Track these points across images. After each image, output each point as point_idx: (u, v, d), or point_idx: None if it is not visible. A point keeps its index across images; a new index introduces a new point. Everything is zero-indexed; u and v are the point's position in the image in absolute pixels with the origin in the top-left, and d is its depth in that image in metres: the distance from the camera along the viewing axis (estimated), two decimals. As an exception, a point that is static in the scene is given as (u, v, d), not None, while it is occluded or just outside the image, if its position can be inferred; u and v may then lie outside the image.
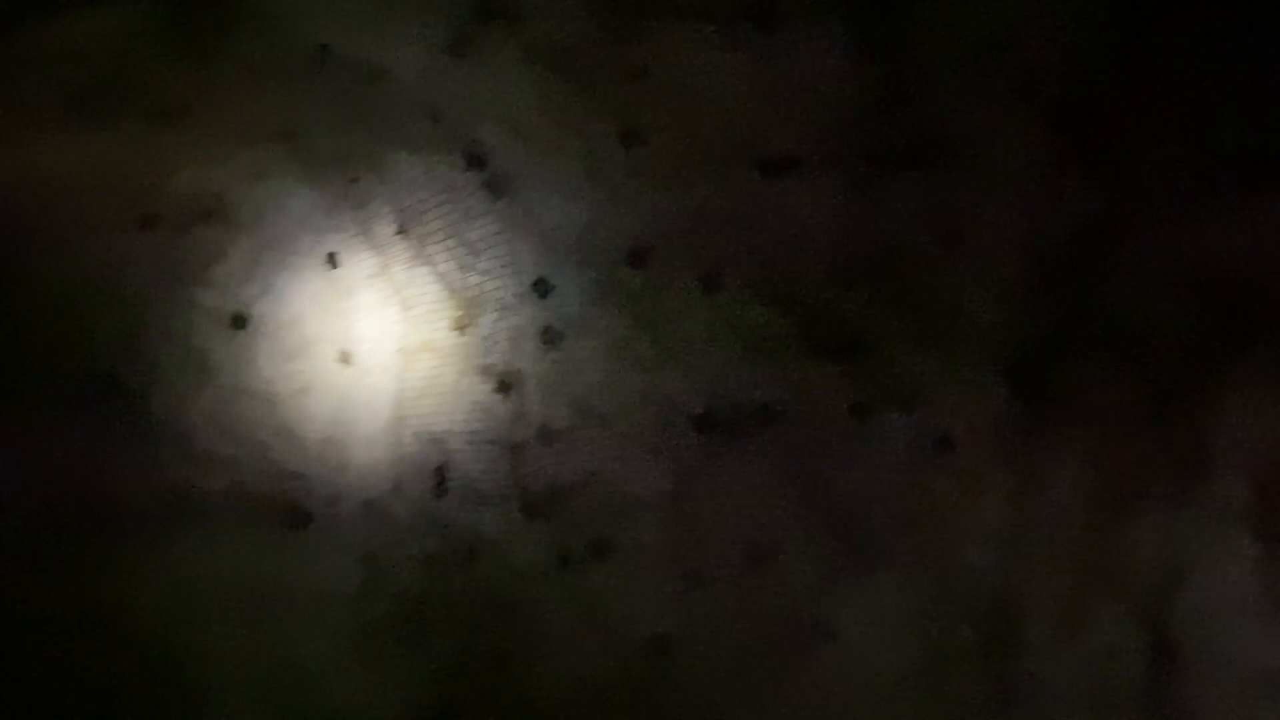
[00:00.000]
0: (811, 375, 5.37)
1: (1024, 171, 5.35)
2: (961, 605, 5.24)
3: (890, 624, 5.21)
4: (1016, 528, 5.26)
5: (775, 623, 5.23)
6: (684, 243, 5.45)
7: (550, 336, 5.46)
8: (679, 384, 5.41)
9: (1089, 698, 5.15)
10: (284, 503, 5.38)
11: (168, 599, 5.22)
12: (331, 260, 5.48)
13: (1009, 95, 5.35)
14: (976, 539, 5.26)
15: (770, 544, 5.29)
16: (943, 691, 5.19)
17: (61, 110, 5.34)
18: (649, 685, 5.23)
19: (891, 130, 5.39)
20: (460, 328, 5.51)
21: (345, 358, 5.48)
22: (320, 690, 5.29)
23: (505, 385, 5.51)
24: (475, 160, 5.45)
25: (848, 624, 5.21)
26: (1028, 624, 5.20)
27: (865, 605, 5.22)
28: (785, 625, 5.22)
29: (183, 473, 5.32)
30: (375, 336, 5.51)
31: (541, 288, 5.47)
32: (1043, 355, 5.32)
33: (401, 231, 5.50)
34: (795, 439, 5.36)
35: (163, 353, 5.34)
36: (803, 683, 5.20)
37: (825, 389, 5.35)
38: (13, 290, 5.31)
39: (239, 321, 5.39)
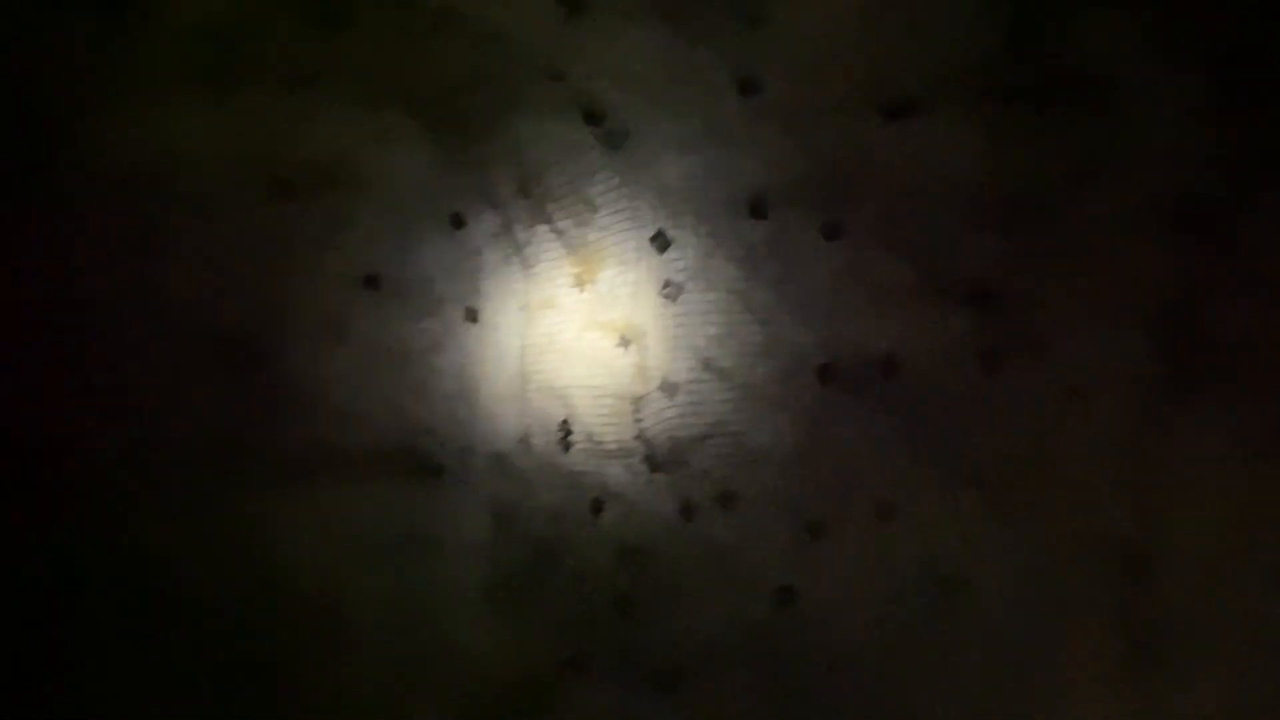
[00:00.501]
0: (937, 324, 5.26)
1: (1166, 111, 5.07)
2: (1094, 557, 5.13)
3: (1020, 576, 5.15)
4: (1153, 480, 5.11)
5: (902, 575, 5.21)
6: (804, 191, 5.36)
7: (670, 290, 5.47)
8: (801, 335, 5.37)
9: (1227, 655, 5.02)
10: (417, 456, 5.58)
11: (314, 549, 5.50)
12: (456, 221, 5.58)
13: (1151, 30, 5.05)
14: (1110, 491, 5.13)
15: (896, 495, 5.25)
16: (1074, 645, 5.13)
17: (195, 83, 5.51)
18: (774, 636, 5.30)
19: (1023, 69, 5.16)
20: (581, 284, 5.57)
21: (472, 315, 5.61)
22: (456, 636, 5.53)
23: (626, 340, 5.57)
24: (593, 117, 5.44)
25: (976, 576, 5.16)
26: (1164, 578, 5.07)
27: (995, 557, 5.16)
28: (912, 577, 5.20)
29: (322, 430, 5.56)
30: (500, 294, 5.62)
31: (660, 241, 5.46)
32: (1183, 302, 5.10)
33: (522, 190, 5.55)
34: (921, 389, 5.27)
35: (299, 315, 5.55)
36: (930, 635, 5.20)
37: (952, 338, 5.24)
38: (155, 258, 5.55)
39: (371, 283, 5.55)
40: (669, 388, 5.47)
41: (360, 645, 5.47)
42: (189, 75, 5.50)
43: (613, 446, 5.54)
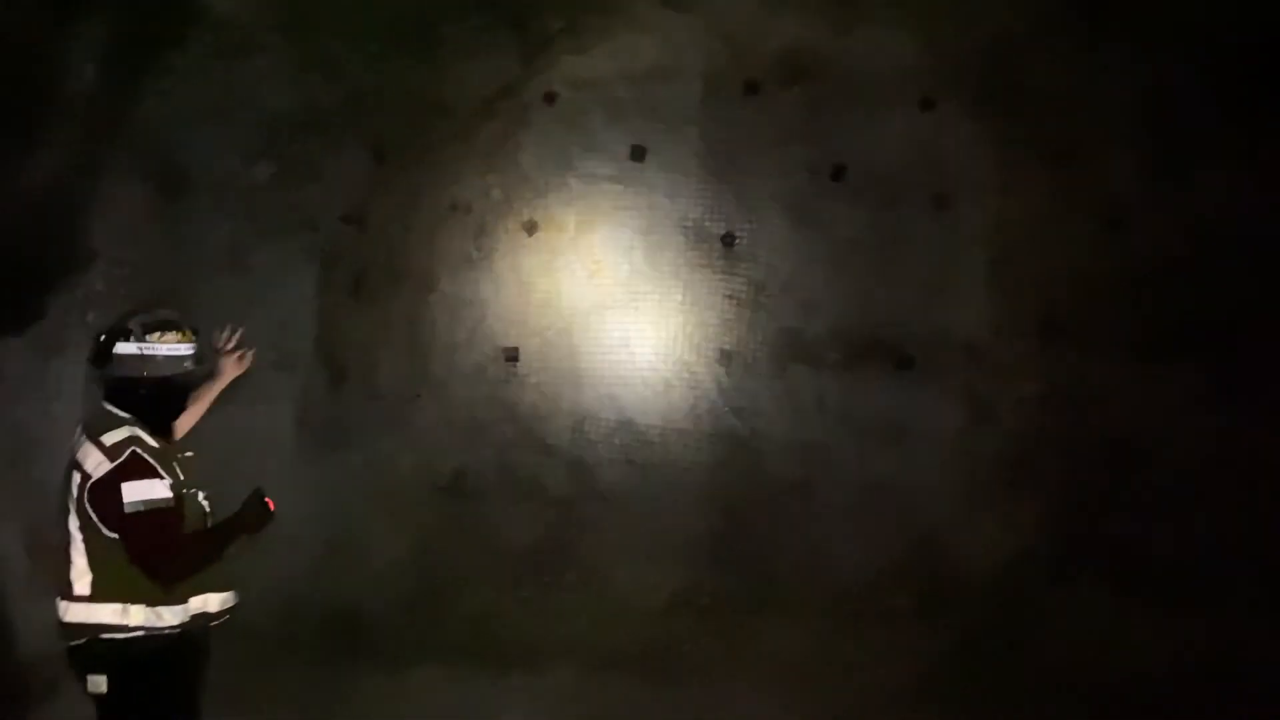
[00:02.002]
0: None
1: None
2: None
3: None
4: None
5: None
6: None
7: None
8: None
9: None
10: (887, 346, 5.52)
11: (790, 428, 5.62)
12: (924, 104, 5.41)
13: None
14: None
15: None
16: None
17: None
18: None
19: None
20: (1060, 161, 5.19)
21: (940, 201, 5.43)
22: (933, 529, 5.44)
23: (1115, 219, 5.14)
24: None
25: None
26: None
27: None
28: None
29: (787, 320, 5.66)
30: (970, 178, 5.38)
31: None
32: None
33: (999, 67, 5.26)
34: None
35: (760, 206, 5.65)
36: None
37: None
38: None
39: (836, 174, 5.53)
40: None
41: (832, 530, 5.51)
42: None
43: (1099, 336, 5.16)
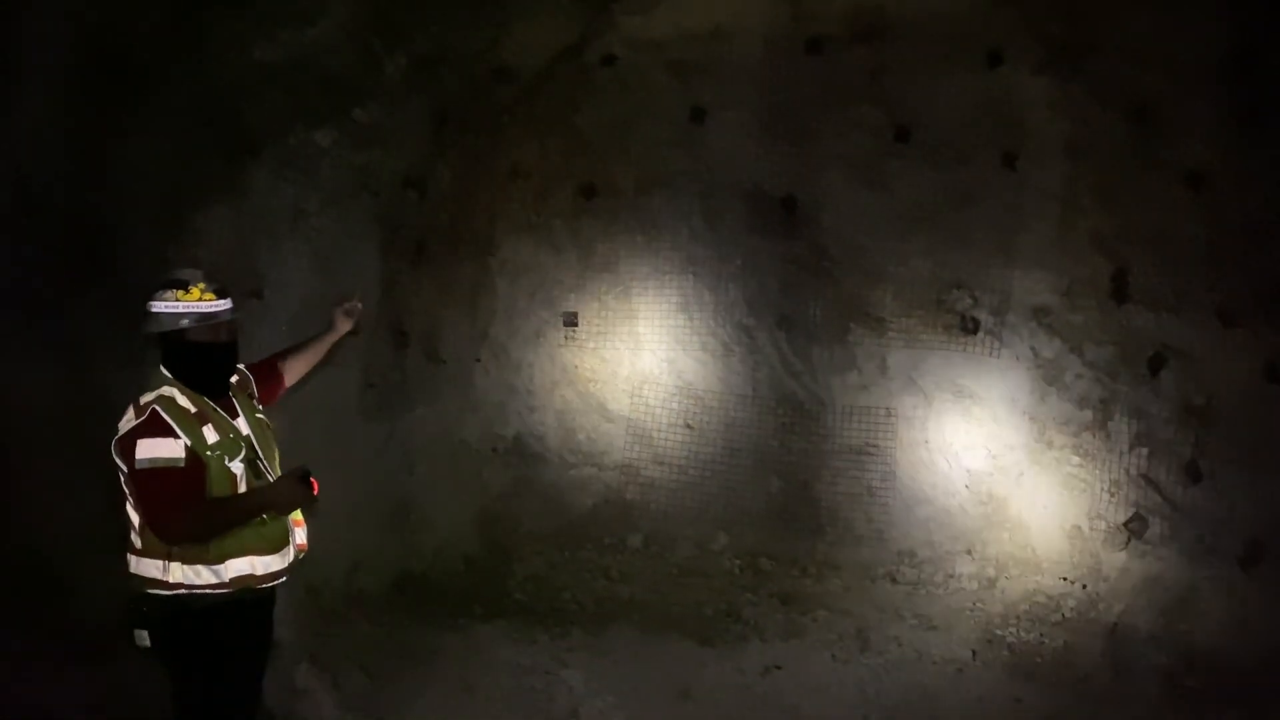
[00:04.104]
0: None
1: None
2: None
3: None
4: None
5: None
6: None
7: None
8: None
9: None
10: (953, 310, 5.43)
11: (858, 393, 5.58)
12: (992, 61, 5.25)
13: None
14: None
15: None
16: None
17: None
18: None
19: None
20: (1141, 119, 5.01)
21: (1008, 161, 5.28)
22: (994, 497, 5.38)
23: (1195, 181, 4.96)
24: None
25: None
26: None
27: None
28: None
29: (849, 284, 5.59)
30: (1041, 134, 5.22)
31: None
32: None
33: (1068, 27, 5.09)
34: None
35: (822, 169, 5.57)
36: None
37: None
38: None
39: (901, 135, 5.42)
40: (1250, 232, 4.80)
41: (894, 496, 5.48)
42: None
43: (1174, 299, 4.99)
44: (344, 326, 3.30)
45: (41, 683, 3.41)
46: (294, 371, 3.20)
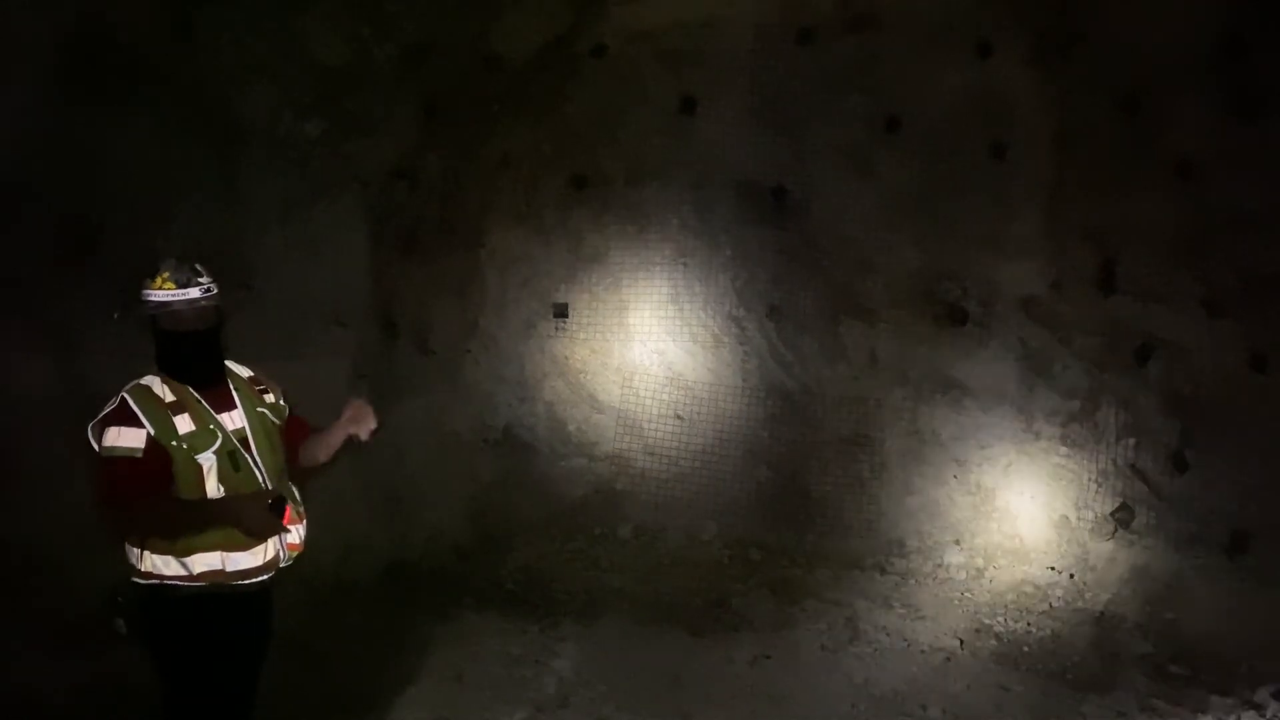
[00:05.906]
0: None
1: None
2: None
3: None
4: None
5: None
6: None
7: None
8: None
9: None
10: (942, 300, 5.44)
11: (846, 381, 5.58)
12: (982, 51, 5.26)
13: None
14: None
15: None
16: None
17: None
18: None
19: None
20: (1131, 109, 5.02)
21: (998, 151, 5.29)
22: (982, 489, 5.40)
23: (1186, 167, 4.97)
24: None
25: None
26: None
27: None
28: None
29: (839, 274, 5.59)
30: (1031, 125, 5.23)
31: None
32: None
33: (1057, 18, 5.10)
34: None
35: (813, 158, 5.57)
36: None
37: None
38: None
39: (891, 125, 5.42)
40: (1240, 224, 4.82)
41: (883, 486, 5.50)
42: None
43: (1163, 290, 5.02)
44: (349, 425, 2.98)
45: (31, 670, 3.41)
46: (309, 451, 3.00)
